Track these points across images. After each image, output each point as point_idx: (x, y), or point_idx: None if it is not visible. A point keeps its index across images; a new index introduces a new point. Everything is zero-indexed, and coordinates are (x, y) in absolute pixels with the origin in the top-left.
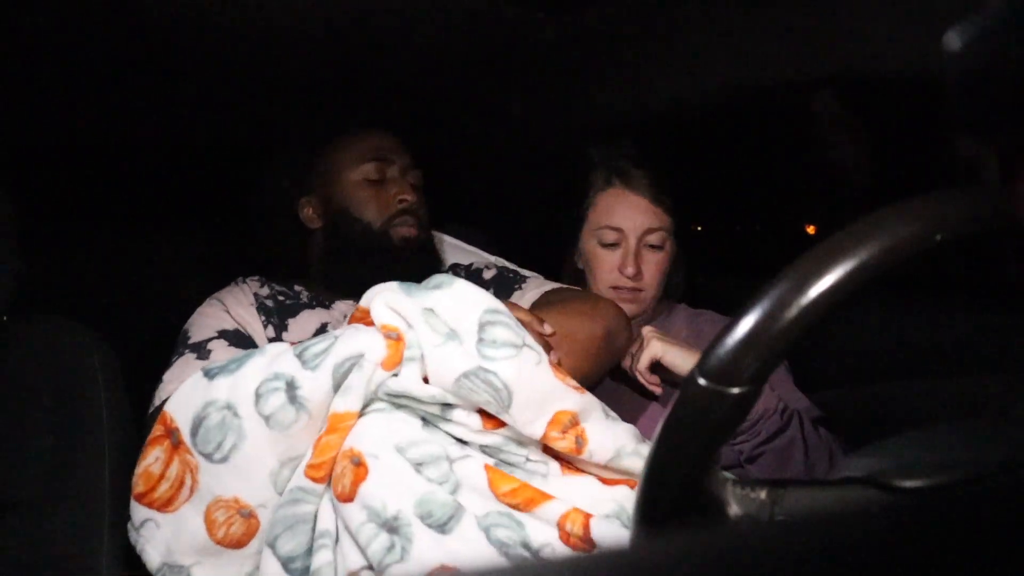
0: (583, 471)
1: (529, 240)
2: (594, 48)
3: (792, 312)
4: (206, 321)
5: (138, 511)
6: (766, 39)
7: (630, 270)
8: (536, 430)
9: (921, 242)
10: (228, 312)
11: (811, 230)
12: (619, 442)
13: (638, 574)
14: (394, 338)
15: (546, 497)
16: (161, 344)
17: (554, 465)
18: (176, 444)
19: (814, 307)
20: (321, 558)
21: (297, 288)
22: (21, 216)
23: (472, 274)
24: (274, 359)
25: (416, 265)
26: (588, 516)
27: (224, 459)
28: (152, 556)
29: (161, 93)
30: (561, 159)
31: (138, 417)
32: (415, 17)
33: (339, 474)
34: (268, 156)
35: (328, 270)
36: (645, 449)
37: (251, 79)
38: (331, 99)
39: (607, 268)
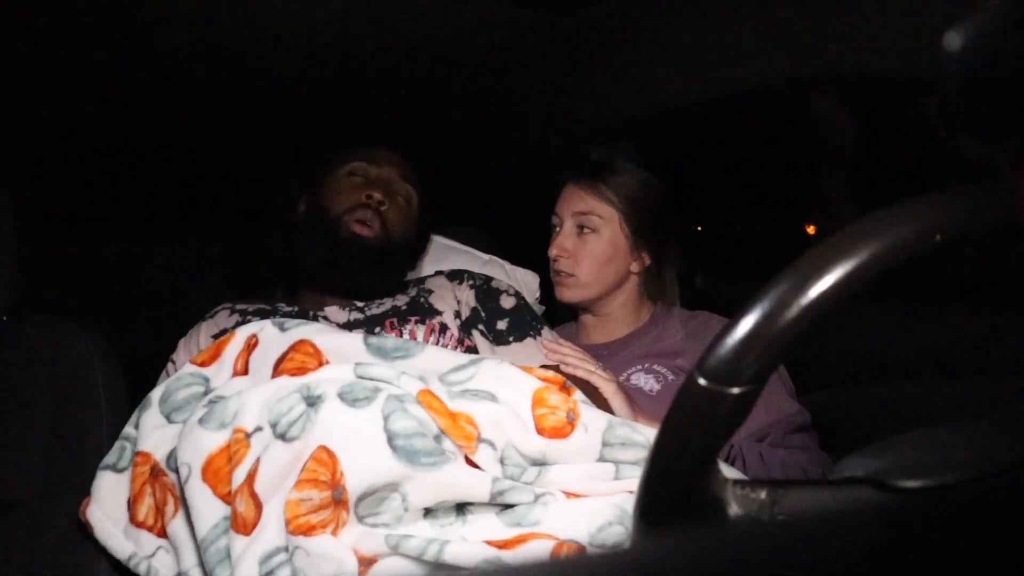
0: (587, 496)
1: (525, 240)
2: (594, 48)
3: (792, 312)
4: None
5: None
6: (765, 39)
7: (552, 250)
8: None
9: (921, 242)
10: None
11: (811, 230)
12: (607, 417)
13: (638, 574)
14: None
15: (533, 535)
16: (161, 345)
17: (559, 494)
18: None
19: (814, 307)
20: None
21: (280, 304)
22: (22, 217)
23: (491, 293)
24: None
25: (363, 269)
26: (583, 547)
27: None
28: None
29: (164, 97)
30: (559, 159)
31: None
32: (416, 18)
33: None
34: (282, 165)
35: (294, 264)
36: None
37: (253, 82)
38: (331, 100)
39: (550, 255)
